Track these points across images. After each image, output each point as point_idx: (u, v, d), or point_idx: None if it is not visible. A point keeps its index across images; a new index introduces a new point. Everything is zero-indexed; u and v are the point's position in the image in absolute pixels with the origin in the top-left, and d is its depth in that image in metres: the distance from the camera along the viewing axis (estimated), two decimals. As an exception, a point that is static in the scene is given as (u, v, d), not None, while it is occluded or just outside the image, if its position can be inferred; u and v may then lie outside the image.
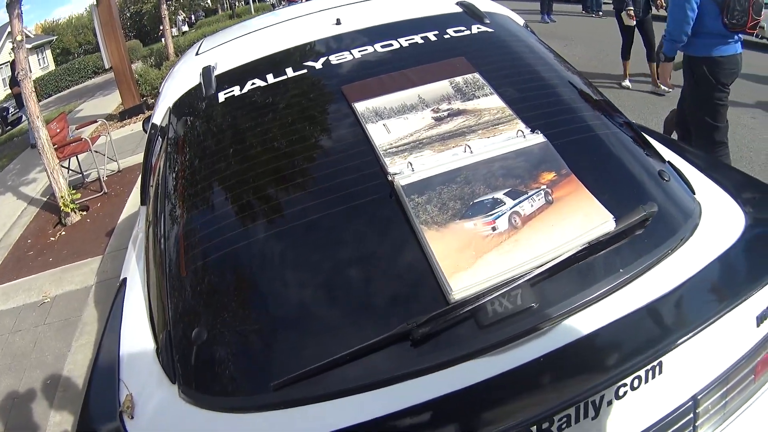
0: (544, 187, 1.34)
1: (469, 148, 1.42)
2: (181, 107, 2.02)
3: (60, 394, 3.58)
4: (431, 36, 1.97)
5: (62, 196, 6.03)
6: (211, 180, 1.64)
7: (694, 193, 1.53)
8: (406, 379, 1.14)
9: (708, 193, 1.56)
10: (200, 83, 1.99)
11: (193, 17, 33.09)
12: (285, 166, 1.56)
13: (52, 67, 29.68)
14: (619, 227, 1.27)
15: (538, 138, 1.45)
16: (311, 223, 1.40)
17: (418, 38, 1.96)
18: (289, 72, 1.87)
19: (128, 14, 31.95)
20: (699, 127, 3.68)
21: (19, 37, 5.83)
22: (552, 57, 2.00)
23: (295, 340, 1.24)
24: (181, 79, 2.17)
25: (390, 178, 1.37)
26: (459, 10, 2.20)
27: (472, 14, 2.15)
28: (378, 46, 1.92)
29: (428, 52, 1.90)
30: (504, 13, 2.32)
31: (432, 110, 1.58)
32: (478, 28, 2.04)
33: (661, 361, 1.16)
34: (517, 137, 1.46)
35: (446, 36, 1.98)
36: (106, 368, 1.53)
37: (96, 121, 8.49)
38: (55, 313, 4.53)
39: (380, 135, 1.51)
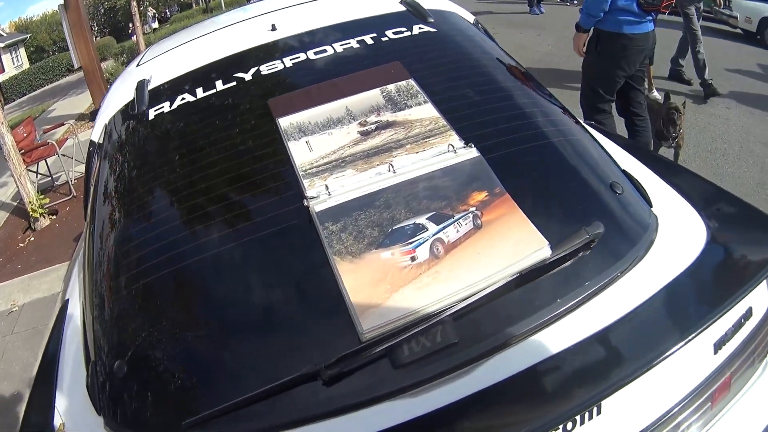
0: (473, 209, 1.23)
1: (392, 167, 1.31)
2: (115, 124, 1.93)
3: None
4: (368, 39, 1.85)
5: (30, 202, 5.90)
6: (131, 206, 1.56)
7: (651, 206, 1.41)
8: (313, 421, 1.06)
9: (667, 204, 1.45)
10: (134, 99, 1.90)
11: (167, 12, 32.56)
12: (202, 191, 1.46)
13: (26, 65, 29.11)
14: (556, 254, 1.17)
15: (471, 152, 1.34)
16: (225, 254, 1.31)
17: (354, 42, 1.84)
18: (219, 85, 1.77)
19: (102, 10, 31.32)
20: (587, 94, 3.81)
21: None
22: (497, 58, 1.87)
23: (206, 378, 1.17)
24: (118, 95, 2.08)
25: (306, 203, 1.26)
26: (402, 8, 2.08)
27: (415, 13, 2.02)
28: (311, 53, 1.82)
29: (363, 57, 1.80)
30: (451, 9, 2.20)
31: (359, 123, 1.47)
32: (420, 28, 1.91)
33: (600, 404, 1.06)
34: (448, 152, 1.35)
35: (384, 39, 1.86)
36: (42, 395, 1.45)
37: (63, 124, 8.29)
38: (24, 322, 4.43)
39: (301, 153, 1.40)
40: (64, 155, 6.87)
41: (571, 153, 1.47)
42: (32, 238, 5.89)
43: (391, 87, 1.58)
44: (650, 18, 3.47)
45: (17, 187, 6.00)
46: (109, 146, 1.86)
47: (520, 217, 1.21)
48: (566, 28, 8.52)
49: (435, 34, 1.90)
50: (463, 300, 1.12)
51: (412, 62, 1.70)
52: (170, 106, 1.76)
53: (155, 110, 1.78)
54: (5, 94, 19.50)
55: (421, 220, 1.22)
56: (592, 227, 1.22)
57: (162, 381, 1.21)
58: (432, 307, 1.11)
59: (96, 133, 2.02)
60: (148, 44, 13.76)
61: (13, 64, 29.73)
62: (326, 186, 1.29)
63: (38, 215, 5.96)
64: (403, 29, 1.90)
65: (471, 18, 2.23)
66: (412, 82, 1.59)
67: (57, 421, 1.33)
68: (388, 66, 1.68)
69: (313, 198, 1.27)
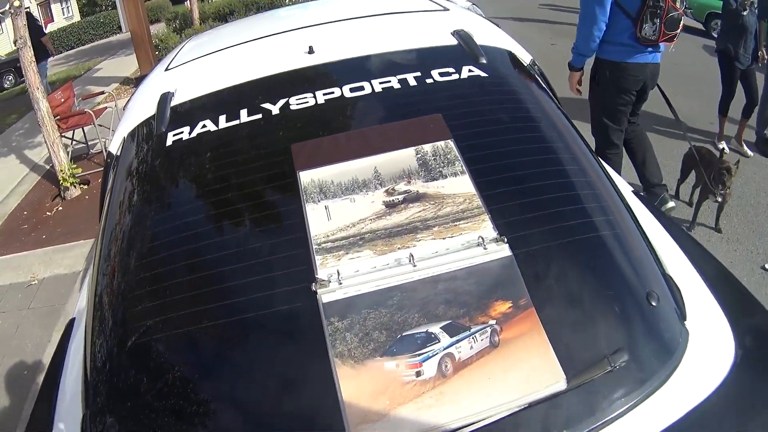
0: (494, 322, 1.12)
1: (413, 257, 1.20)
2: (133, 139, 1.85)
3: (35, 388, 3.53)
4: (411, 79, 1.70)
5: (62, 170, 5.93)
6: (136, 238, 1.48)
7: (684, 318, 1.27)
8: None
9: (701, 315, 1.31)
10: (155, 114, 1.82)
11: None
12: (208, 247, 1.38)
13: (77, 17, 29.29)
14: (571, 386, 1.06)
15: (502, 250, 1.21)
16: (220, 328, 1.23)
17: (395, 81, 1.70)
18: (243, 115, 1.67)
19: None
20: (597, 126, 3.83)
21: (16, 3, 5.59)
22: (553, 120, 1.68)
23: None
24: (141, 104, 1.99)
25: (314, 289, 1.17)
26: (453, 42, 1.91)
27: (467, 49, 1.84)
28: (347, 89, 1.69)
29: (403, 102, 1.66)
30: (507, 47, 2.01)
31: (386, 191, 1.36)
32: (470, 70, 1.74)
33: None
34: (477, 246, 1.22)
35: (428, 81, 1.70)
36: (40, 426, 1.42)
37: (103, 92, 8.30)
38: (41, 298, 4.47)
39: (318, 221, 1.30)
40: (101, 125, 6.89)
41: (614, 254, 1.33)
42: (60, 208, 5.93)
43: (427, 148, 1.44)
44: (650, 50, 3.49)
45: (50, 154, 6.02)
46: (124, 164, 1.78)
47: (542, 340, 1.10)
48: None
49: (485, 81, 1.73)
50: (464, 428, 1.02)
51: (455, 116, 1.55)
52: (189, 133, 1.66)
53: (174, 134, 1.68)
54: (53, 45, 19.75)
55: (435, 329, 1.11)
56: (615, 356, 1.10)
57: None
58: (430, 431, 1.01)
59: (114, 144, 1.94)
60: (203, 13, 13.83)
61: (63, 14, 29.85)
62: (338, 271, 1.19)
63: (69, 184, 5.99)
64: (451, 70, 1.73)
65: (527, 58, 2.04)
66: (451, 143, 1.44)
67: None
68: (427, 119, 1.54)
69: (322, 283, 1.17)
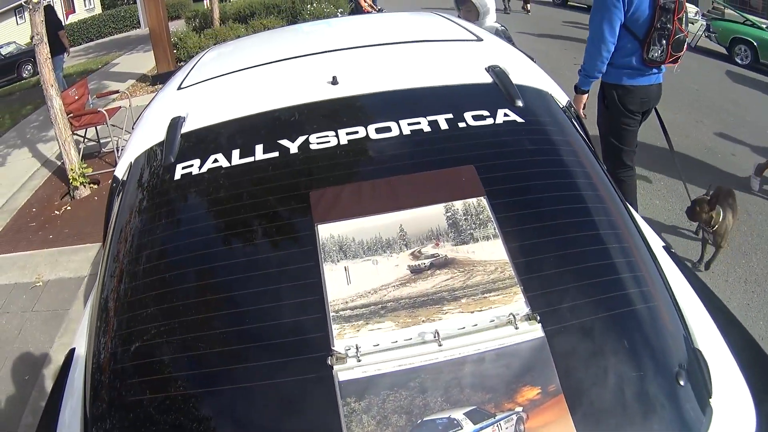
0: (520, 409, 1.05)
1: (438, 335, 1.13)
2: (140, 166, 1.76)
3: (35, 394, 3.49)
4: (442, 122, 1.59)
5: (72, 169, 5.89)
6: (138, 274, 1.41)
7: (710, 396, 1.19)
8: None
9: (727, 389, 1.23)
10: (164, 141, 1.72)
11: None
12: (212, 305, 1.30)
13: (98, 10, 29.42)
14: None
15: (534, 331, 1.13)
16: (228, 405, 1.15)
17: (425, 123, 1.59)
18: (258, 152, 1.57)
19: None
20: (607, 148, 3.84)
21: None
22: (594, 175, 1.57)
23: None
24: (150, 128, 1.90)
25: (330, 363, 1.10)
26: (488, 79, 1.79)
27: (503, 90, 1.72)
28: (372, 130, 1.59)
29: (432, 149, 1.56)
30: (545, 88, 1.88)
31: (411, 254, 1.27)
32: (505, 115, 1.62)
33: None
34: (507, 324, 1.14)
35: (461, 125, 1.59)
36: None
37: (117, 91, 8.27)
38: (45, 301, 4.43)
39: (337, 284, 1.22)
40: (113, 125, 6.86)
41: (648, 333, 1.25)
42: (69, 207, 5.89)
43: (458, 205, 1.35)
44: (655, 71, 3.56)
45: (61, 152, 5.98)
46: (129, 193, 1.68)
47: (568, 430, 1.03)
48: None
49: (522, 128, 1.61)
50: None
51: (489, 169, 1.45)
52: (199, 168, 1.56)
53: (183, 167, 1.58)
54: (73, 36, 19.75)
55: (458, 414, 1.04)
56: None
57: None
58: None
59: (120, 169, 1.85)
60: (224, 13, 13.75)
61: (85, 6, 29.98)
62: (356, 345, 1.12)
63: (79, 184, 5.95)
64: (486, 113, 1.62)
65: (564, 100, 1.91)
66: (484, 201, 1.35)
67: None
68: (459, 171, 1.44)
69: (339, 358, 1.10)
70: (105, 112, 6.57)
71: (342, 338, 1.13)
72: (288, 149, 1.56)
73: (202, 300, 1.31)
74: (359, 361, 1.10)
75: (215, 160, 1.57)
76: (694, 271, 1.62)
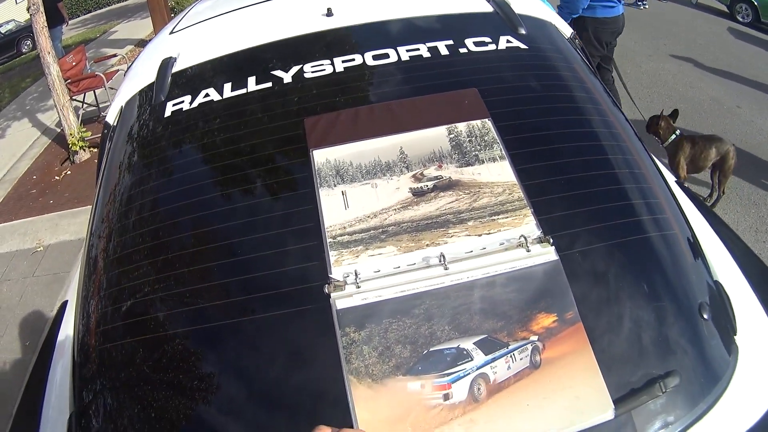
0: (535, 338, 0.95)
1: (444, 258, 1.02)
2: (130, 109, 1.69)
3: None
4: (442, 47, 1.51)
5: (71, 134, 5.80)
6: (128, 218, 1.32)
7: (735, 333, 1.10)
8: None
9: (751, 326, 1.13)
10: (154, 82, 1.65)
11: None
12: (207, 238, 1.21)
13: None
14: (619, 412, 0.90)
15: (547, 253, 1.03)
16: (221, 338, 1.06)
17: (424, 49, 1.50)
18: (251, 84, 1.49)
19: None
20: None
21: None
22: (602, 101, 1.47)
23: None
24: (141, 71, 1.83)
25: (327, 292, 1.00)
26: (488, 8, 1.71)
27: (505, 18, 1.65)
28: (369, 57, 1.50)
29: (432, 73, 1.46)
30: (547, 18, 1.79)
31: (413, 177, 1.18)
32: (508, 42, 1.55)
33: None
34: (518, 247, 1.04)
35: (462, 50, 1.50)
36: (26, 422, 1.30)
37: (115, 55, 8.13)
38: (46, 265, 4.36)
39: (334, 209, 1.13)
40: (112, 88, 6.72)
41: (668, 260, 1.15)
42: (69, 172, 5.80)
43: (461, 127, 1.26)
44: (621, 3, 4.02)
45: (59, 118, 5.89)
46: (119, 136, 1.61)
47: (590, 363, 0.93)
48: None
49: (526, 54, 1.53)
50: None
51: (492, 92, 1.36)
52: (190, 103, 1.50)
53: (174, 105, 1.52)
54: (71, 9, 19.49)
55: (467, 344, 0.95)
56: (667, 381, 0.95)
57: None
58: None
59: (111, 114, 1.78)
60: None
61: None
62: (355, 271, 1.02)
63: (78, 148, 5.86)
64: (488, 40, 1.54)
65: (568, 31, 1.83)
66: (489, 123, 1.26)
67: None
68: (462, 94, 1.35)
69: (337, 285, 1.00)
70: (103, 76, 6.46)
71: (340, 265, 1.04)
72: (281, 79, 1.48)
73: (195, 231, 1.22)
74: (358, 287, 1.00)
75: (206, 95, 1.50)
76: (709, 207, 1.51)
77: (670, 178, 1.49)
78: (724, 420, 0.98)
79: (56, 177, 5.75)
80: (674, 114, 3.68)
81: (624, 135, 1.39)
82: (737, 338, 1.10)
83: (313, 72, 1.48)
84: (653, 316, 1.05)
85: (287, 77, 1.48)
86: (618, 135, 1.38)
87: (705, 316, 1.07)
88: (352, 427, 0.88)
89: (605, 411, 0.89)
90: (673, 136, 3.60)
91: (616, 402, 0.91)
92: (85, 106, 6.72)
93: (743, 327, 1.11)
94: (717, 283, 1.17)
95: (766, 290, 1.23)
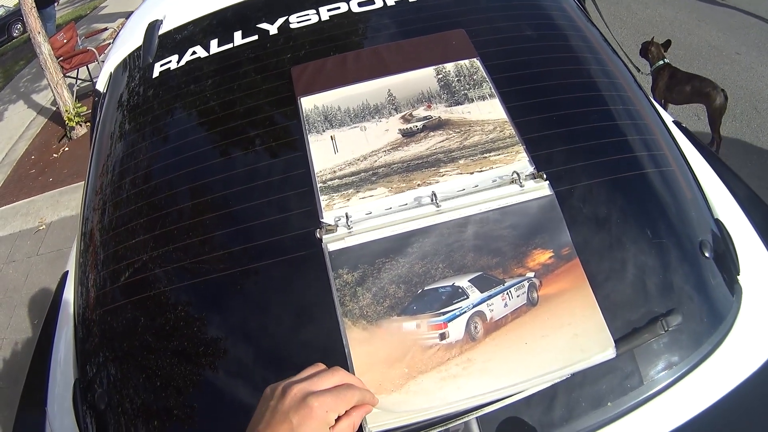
0: (532, 275, 0.92)
1: (436, 196, 0.99)
2: (119, 75, 1.68)
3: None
4: None
5: (67, 110, 5.81)
6: (122, 185, 1.31)
7: (738, 272, 1.07)
8: None
9: (754, 266, 1.11)
10: (141, 45, 1.65)
11: None
12: (193, 191, 1.20)
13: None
14: (620, 352, 0.88)
15: (542, 188, 1.00)
16: (218, 287, 1.05)
17: None
18: (237, 38, 1.48)
19: None
20: None
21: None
22: (592, 38, 1.45)
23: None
24: (129, 36, 1.80)
25: (318, 236, 0.98)
26: None
27: None
28: (354, 4, 1.48)
29: (420, 17, 1.43)
30: None
31: (402, 118, 1.15)
32: None
33: None
34: (511, 183, 1.01)
35: None
36: (34, 391, 1.32)
37: (106, 29, 8.03)
38: (49, 242, 4.37)
39: (323, 154, 1.10)
40: (105, 62, 6.65)
41: (666, 196, 1.12)
42: (67, 148, 5.79)
43: (449, 67, 1.22)
44: None
45: (53, 96, 5.86)
46: (110, 101, 1.61)
47: (588, 300, 0.90)
48: None
49: None
50: (495, 403, 0.86)
51: (481, 32, 1.33)
52: (178, 62, 1.49)
53: (161, 65, 1.52)
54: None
55: (462, 281, 0.92)
56: (669, 319, 0.93)
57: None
58: (456, 406, 0.85)
59: (101, 81, 1.77)
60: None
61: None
62: (346, 214, 0.99)
63: (74, 123, 5.86)
64: None
65: None
66: (477, 62, 1.22)
67: (47, 428, 1.19)
68: (449, 35, 1.31)
69: (328, 229, 0.98)
70: (95, 50, 6.41)
71: (331, 209, 1.01)
72: (267, 31, 1.47)
73: (188, 186, 1.22)
74: (350, 230, 0.97)
75: (193, 53, 1.50)
76: (707, 146, 1.46)
77: (668, 117, 1.45)
78: (730, 361, 0.96)
79: (54, 155, 5.73)
80: (666, 44, 3.67)
81: (616, 71, 1.36)
82: (740, 278, 1.07)
83: (299, 22, 1.46)
84: (653, 254, 1.02)
85: (273, 29, 1.47)
86: (610, 72, 1.35)
87: (706, 255, 1.04)
88: (348, 368, 0.86)
89: (606, 350, 0.87)
90: (660, 62, 3.61)
91: (617, 341, 0.88)
92: (79, 81, 6.66)
93: (746, 267, 1.09)
94: (718, 222, 1.15)
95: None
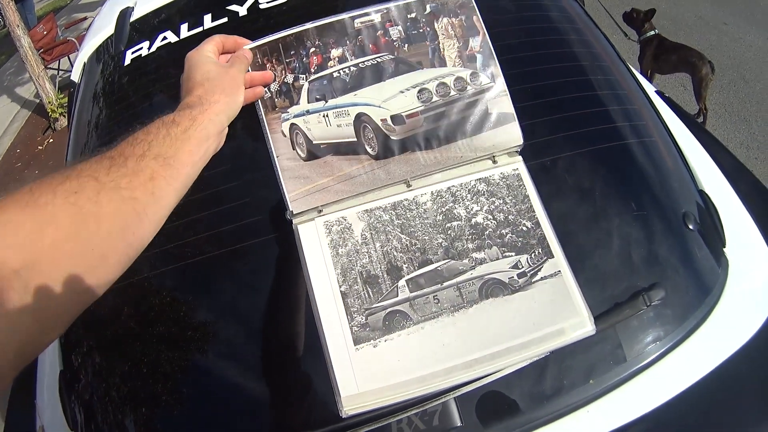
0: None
1: (409, 184, 0.95)
2: (92, 64, 1.66)
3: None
4: None
5: (50, 102, 5.80)
6: None
7: (724, 245, 1.06)
8: None
9: (741, 238, 1.10)
10: (113, 34, 1.63)
11: None
12: None
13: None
14: (600, 328, 0.87)
15: (515, 163, 0.95)
16: (198, 273, 1.06)
17: None
18: (207, 21, 1.45)
19: None
20: None
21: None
22: (573, 9, 1.44)
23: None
24: (101, 25, 1.77)
25: (289, 218, 0.96)
26: None
27: None
28: None
29: None
30: None
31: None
32: None
33: None
34: (489, 167, 0.96)
35: None
36: (24, 385, 1.32)
37: (86, 18, 7.94)
38: (38, 236, 4.34)
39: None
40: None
41: (646, 165, 1.10)
42: (51, 140, 5.77)
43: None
44: None
45: (35, 88, 5.82)
46: (84, 92, 1.59)
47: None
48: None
49: None
50: (469, 384, 0.86)
51: None
52: (149, 48, 1.47)
53: (132, 52, 1.49)
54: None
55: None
56: (651, 294, 0.92)
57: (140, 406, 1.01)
58: (432, 386, 0.84)
59: (75, 72, 1.75)
60: None
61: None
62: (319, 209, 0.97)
63: (58, 115, 5.85)
64: None
65: None
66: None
67: (38, 422, 1.20)
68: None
69: (299, 214, 0.96)
70: (75, 40, 6.35)
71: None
72: (237, 13, 1.45)
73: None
74: (320, 212, 0.95)
75: (164, 38, 1.47)
76: (691, 116, 1.46)
77: (649, 88, 1.44)
78: (717, 336, 0.96)
79: (39, 147, 5.71)
80: (650, 12, 3.67)
81: (595, 42, 1.35)
82: (726, 251, 1.07)
83: (268, 3, 1.44)
84: (633, 226, 1.01)
85: (242, 10, 1.45)
86: (590, 42, 1.33)
87: (690, 227, 1.03)
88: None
89: (585, 326, 0.86)
90: (651, 33, 3.63)
91: (597, 317, 0.87)
92: (61, 72, 6.61)
93: (733, 239, 1.08)
94: (702, 193, 1.14)
95: (756, 202, 1.20)
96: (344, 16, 0.98)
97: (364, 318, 0.88)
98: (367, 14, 0.97)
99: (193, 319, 1.02)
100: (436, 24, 0.98)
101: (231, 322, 1.01)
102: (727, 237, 1.07)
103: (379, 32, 0.98)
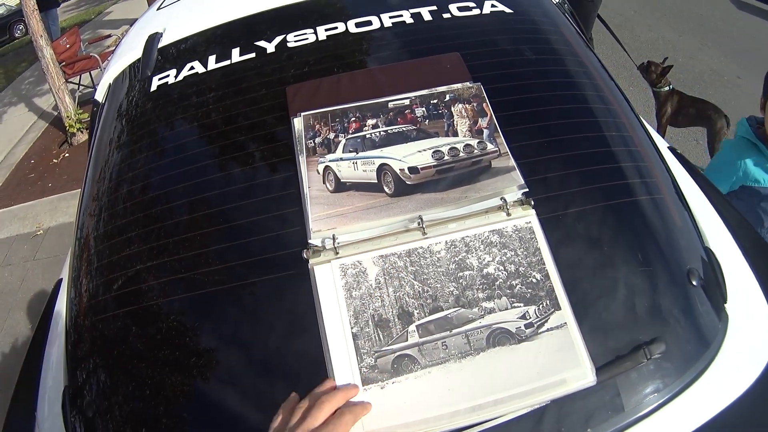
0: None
1: (422, 221, 0.99)
2: (118, 86, 1.70)
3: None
4: (426, 13, 1.51)
5: (68, 116, 5.83)
6: (114, 199, 1.32)
7: (725, 300, 1.09)
8: None
9: (742, 294, 1.12)
10: (141, 58, 1.67)
11: None
12: (193, 206, 1.20)
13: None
14: (601, 379, 0.89)
15: (529, 216, 1.00)
16: (211, 303, 1.07)
17: (407, 16, 1.50)
18: (234, 55, 1.50)
19: None
20: None
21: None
22: (591, 67, 1.45)
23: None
24: (128, 47, 1.82)
25: (305, 257, 0.99)
26: None
27: None
28: (352, 24, 1.50)
29: (416, 39, 1.45)
30: None
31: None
32: (492, 6, 1.54)
33: None
34: (499, 210, 1.01)
35: (446, 15, 1.50)
36: (24, 395, 1.31)
37: (110, 36, 8.08)
38: (46, 248, 4.38)
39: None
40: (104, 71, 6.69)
41: (654, 223, 1.12)
42: (67, 154, 5.81)
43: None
44: None
45: (55, 101, 5.88)
46: (108, 112, 1.62)
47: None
48: None
49: (511, 18, 1.52)
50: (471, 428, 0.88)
51: (476, 56, 1.34)
52: (176, 77, 1.51)
53: (159, 79, 1.53)
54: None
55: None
56: (652, 348, 0.94)
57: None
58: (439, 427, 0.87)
59: (100, 92, 1.80)
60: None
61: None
62: (333, 236, 1.01)
63: (75, 130, 5.88)
64: (472, 5, 1.55)
65: None
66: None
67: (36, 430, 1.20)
68: (444, 58, 1.32)
69: (315, 250, 0.99)
70: (98, 57, 6.45)
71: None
72: (265, 49, 1.49)
73: (182, 202, 1.22)
74: (337, 253, 0.99)
75: (191, 68, 1.51)
76: (702, 173, 1.48)
77: (662, 144, 1.47)
78: (714, 389, 0.97)
79: (54, 160, 5.75)
80: (668, 68, 3.68)
81: (611, 97, 1.37)
82: (728, 306, 1.08)
83: (296, 41, 1.48)
84: (639, 281, 1.03)
85: (271, 47, 1.48)
86: (605, 98, 1.35)
87: (694, 283, 1.05)
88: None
89: (586, 377, 0.88)
90: (667, 88, 3.65)
91: (598, 368, 0.89)
92: (81, 87, 6.71)
93: (734, 295, 1.10)
94: (707, 250, 1.16)
95: (759, 258, 1.21)
96: (383, 99, 1.19)
97: (373, 360, 0.90)
98: (399, 99, 1.20)
99: (202, 349, 1.03)
100: (453, 108, 1.16)
101: (240, 355, 1.02)
102: (729, 294, 1.09)
103: (407, 111, 1.16)
